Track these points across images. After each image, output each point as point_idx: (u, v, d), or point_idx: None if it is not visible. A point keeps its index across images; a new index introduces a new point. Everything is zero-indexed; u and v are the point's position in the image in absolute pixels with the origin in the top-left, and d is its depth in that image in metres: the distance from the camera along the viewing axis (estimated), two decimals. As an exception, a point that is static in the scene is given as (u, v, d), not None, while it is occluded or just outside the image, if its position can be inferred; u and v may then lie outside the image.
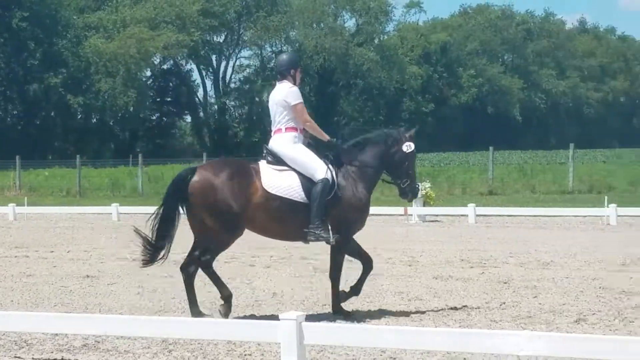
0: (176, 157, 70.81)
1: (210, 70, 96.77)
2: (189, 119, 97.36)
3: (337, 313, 10.38)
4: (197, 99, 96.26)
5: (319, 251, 16.30)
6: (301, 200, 10.16)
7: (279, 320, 6.98)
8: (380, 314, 10.42)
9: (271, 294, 12.00)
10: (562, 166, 44.93)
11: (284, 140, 10.38)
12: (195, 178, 10.08)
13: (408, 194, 10.99)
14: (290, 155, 10.31)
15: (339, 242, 10.31)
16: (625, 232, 20.43)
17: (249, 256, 16.01)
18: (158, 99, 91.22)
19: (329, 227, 10.19)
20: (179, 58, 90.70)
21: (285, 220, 10.23)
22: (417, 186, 11.12)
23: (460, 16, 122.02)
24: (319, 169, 10.23)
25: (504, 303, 10.97)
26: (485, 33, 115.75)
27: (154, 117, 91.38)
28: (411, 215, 24.38)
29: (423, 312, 10.46)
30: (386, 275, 13.54)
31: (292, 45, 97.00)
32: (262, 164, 10.37)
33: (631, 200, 29.05)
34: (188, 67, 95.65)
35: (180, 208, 10.30)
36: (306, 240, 10.39)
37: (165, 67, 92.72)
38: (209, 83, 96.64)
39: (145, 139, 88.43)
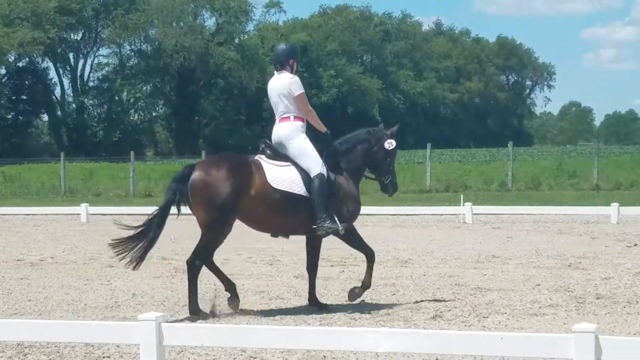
0: (33, 156, 69.22)
1: (68, 68, 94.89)
2: (46, 117, 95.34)
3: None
4: (54, 97, 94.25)
5: (180, 252, 16.19)
6: (303, 194, 10.43)
7: (137, 321, 6.91)
8: (241, 313, 10.42)
9: (131, 295, 11.87)
10: (420, 165, 45.71)
11: (293, 128, 10.66)
12: (197, 174, 10.21)
13: (389, 189, 11.45)
14: (297, 144, 10.61)
15: (347, 231, 10.68)
16: (480, 229, 20.94)
17: (107, 257, 15.76)
18: (13, 98, 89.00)
19: (335, 218, 10.51)
20: (35, 56, 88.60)
21: (286, 214, 10.48)
22: (396, 181, 11.60)
23: (320, 16, 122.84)
24: (316, 164, 10.53)
25: (363, 301, 11.11)
26: (344, 34, 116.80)
27: (9, 116, 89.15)
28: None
29: (284, 311, 10.51)
30: (247, 275, 13.56)
31: (152, 44, 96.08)
32: (262, 159, 10.58)
33: (485, 198, 29.82)
34: (44, 65, 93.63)
35: (178, 206, 10.39)
36: (305, 233, 10.84)
37: (20, 64, 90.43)
38: (66, 81, 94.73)
39: (1, 138, 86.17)
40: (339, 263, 14.81)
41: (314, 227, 10.48)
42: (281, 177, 10.41)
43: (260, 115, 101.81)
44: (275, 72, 10.95)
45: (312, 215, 10.45)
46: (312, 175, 10.47)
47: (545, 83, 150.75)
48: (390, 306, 10.73)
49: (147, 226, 10.38)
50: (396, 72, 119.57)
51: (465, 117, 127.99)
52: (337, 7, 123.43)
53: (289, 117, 10.69)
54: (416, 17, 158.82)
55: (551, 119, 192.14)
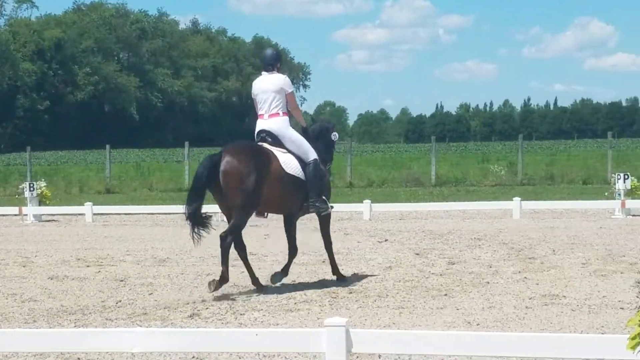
0: None
1: None
2: None
3: (339, 279, 12.31)
4: None
5: None
6: (302, 178, 11.85)
7: None
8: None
9: None
10: (179, 164, 45.67)
11: (283, 123, 12.00)
12: (228, 160, 11.29)
13: (328, 174, 12.91)
14: (292, 137, 11.99)
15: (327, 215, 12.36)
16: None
17: None
18: None
19: (324, 199, 12.07)
20: None
21: (290, 195, 11.87)
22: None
23: (74, 13, 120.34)
24: (311, 151, 12.01)
25: (120, 301, 11.03)
26: (100, 31, 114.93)
27: None
28: (26, 215, 23.79)
29: (37, 314, 10.27)
30: (-2, 278, 13.16)
31: None
32: (268, 146, 11.82)
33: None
34: None
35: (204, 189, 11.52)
36: (300, 212, 12.29)
37: None
38: None
39: None
40: (95, 263, 14.60)
41: (306, 204, 11.98)
42: (288, 162, 11.76)
43: (14, 113, 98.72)
44: (265, 72, 12.21)
45: (304, 196, 11.94)
46: (308, 160, 11.92)
47: (301, 83, 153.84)
48: (147, 305, 10.69)
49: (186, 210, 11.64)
50: (153, 70, 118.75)
51: (224, 116, 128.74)
52: (92, 4, 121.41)
53: (278, 113, 11.96)
54: (172, 15, 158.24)
55: (307, 118, 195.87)
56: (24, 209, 23.90)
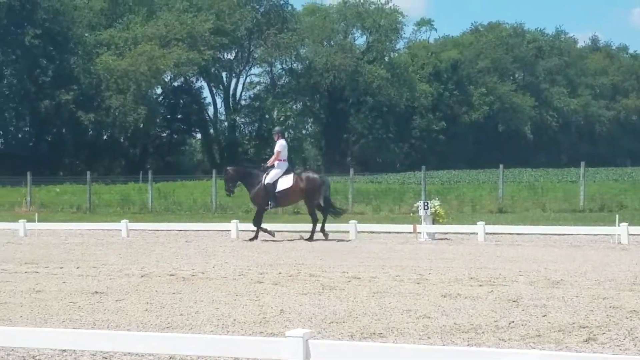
0: (186, 174, 70.92)
1: (221, 87, 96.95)
2: (199, 136, 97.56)
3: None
4: (207, 116, 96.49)
5: (327, 269, 16.27)
6: None
7: (285, 337, 6.94)
8: (387, 331, 10.36)
9: (279, 311, 11.94)
10: (573, 184, 44.81)
11: None
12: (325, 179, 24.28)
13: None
14: None
15: None
16: (636, 250, 20.33)
17: (256, 273, 15.98)
18: (168, 116, 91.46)
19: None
20: (190, 75, 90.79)
21: None
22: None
23: (471, 34, 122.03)
24: None
25: (513, 322, 10.91)
26: (496, 51, 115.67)
27: (165, 134, 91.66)
28: (420, 233, 24.34)
29: (431, 330, 10.41)
30: (394, 293, 13.49)
31: (302, 63, 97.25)
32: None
33: (642, 218, 28.94)
34: (198, 84, 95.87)
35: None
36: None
37: (175, 84, 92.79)
38: (219, 100, 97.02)
39: (156, 155, 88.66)
40: (488, 283, 14.59)
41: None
42: None
43: (410, 134, 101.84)
44: (282, 139, 24.58)
45: None
46: None
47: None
48: (540, 327, 10.50)
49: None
50: (549, 89, 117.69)
51: (622, 135, 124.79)
52: (489, 24, 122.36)
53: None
54: (571, 33, 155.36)
55: None
56: (418, 227, 24.46)
